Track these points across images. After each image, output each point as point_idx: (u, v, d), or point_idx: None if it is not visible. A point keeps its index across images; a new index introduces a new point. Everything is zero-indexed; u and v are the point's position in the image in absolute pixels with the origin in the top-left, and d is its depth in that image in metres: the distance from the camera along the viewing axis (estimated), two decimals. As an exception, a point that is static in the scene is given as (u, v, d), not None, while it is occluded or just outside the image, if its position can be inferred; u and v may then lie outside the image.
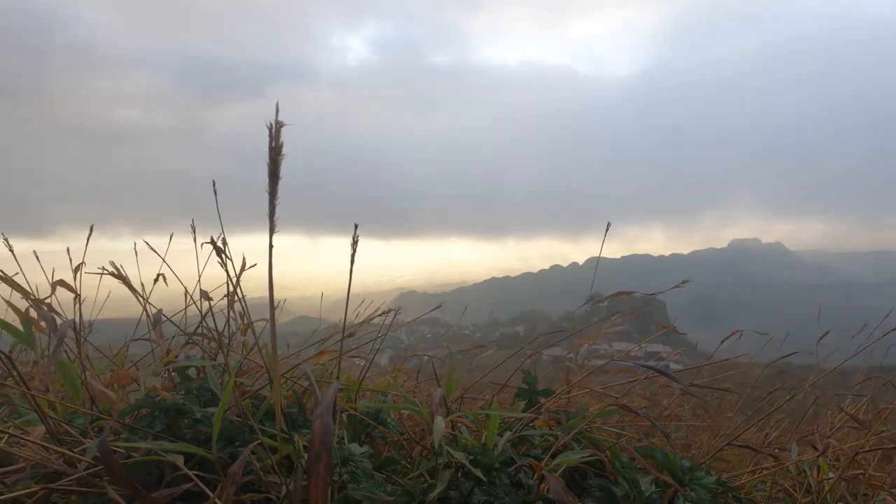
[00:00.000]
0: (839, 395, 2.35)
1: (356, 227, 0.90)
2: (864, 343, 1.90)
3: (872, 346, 1.87)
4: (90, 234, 1.54)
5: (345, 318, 1.41)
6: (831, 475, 1.46)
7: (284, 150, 0.64)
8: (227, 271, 1.40)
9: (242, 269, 1.48)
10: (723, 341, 1.90)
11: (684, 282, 1.66)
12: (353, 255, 0.96)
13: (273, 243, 0.70)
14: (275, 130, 0.64)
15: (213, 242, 1.37)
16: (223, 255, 1.38)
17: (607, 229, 1.77)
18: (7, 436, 0.99)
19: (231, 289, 1.52)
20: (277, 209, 0.66)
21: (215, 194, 1.30)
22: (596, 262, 2.13)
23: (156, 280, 1.62)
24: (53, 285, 1.39)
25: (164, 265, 1.66)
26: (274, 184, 0.66)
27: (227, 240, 1.38)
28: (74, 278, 1.46)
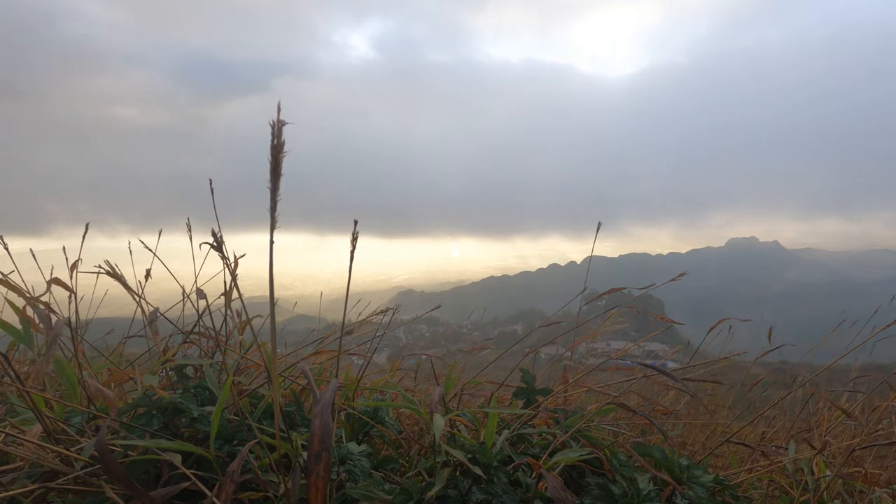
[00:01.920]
0: (833, 392, 2.36)
1: (356, 223, 0.90)
2: (856, 341, 1.91)
3: (865, 343, 1.88)
4: (86, 232, 1.53)
5: (343, 317, 1.41)
6: (828, 472, 1.47)
7: (289, 148, 0.64)
8: (224, 269, 1.39)
9: (236, 264, 1.47)
10: (709, 331, 1.91)
11: (681, 274, 1.66)
12: (352, 253, 0.96)
13: (274, 240, 0.70)
14: (277, 128, 0.64)
15: (212, 242, 1.36)
16: (220, 253, 1.37)
17: (598, 230, 1.77)
18: (4, 434, 0.99)
19: (228, 287, 1.52)
20: (281, 206, 0.66)
21: (212, 193, 1.30)
22: (591, 262, 2.13)
23: (146, 276, 1.61)
24: (49, 283, 1.38)
25: (161, 264, 1.65)
26: (276, 180, 0.65)
27: (233, 237, 1.38)
28: (70, 276, 1.45)
